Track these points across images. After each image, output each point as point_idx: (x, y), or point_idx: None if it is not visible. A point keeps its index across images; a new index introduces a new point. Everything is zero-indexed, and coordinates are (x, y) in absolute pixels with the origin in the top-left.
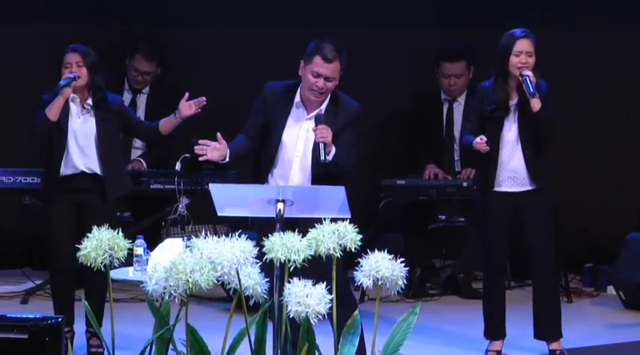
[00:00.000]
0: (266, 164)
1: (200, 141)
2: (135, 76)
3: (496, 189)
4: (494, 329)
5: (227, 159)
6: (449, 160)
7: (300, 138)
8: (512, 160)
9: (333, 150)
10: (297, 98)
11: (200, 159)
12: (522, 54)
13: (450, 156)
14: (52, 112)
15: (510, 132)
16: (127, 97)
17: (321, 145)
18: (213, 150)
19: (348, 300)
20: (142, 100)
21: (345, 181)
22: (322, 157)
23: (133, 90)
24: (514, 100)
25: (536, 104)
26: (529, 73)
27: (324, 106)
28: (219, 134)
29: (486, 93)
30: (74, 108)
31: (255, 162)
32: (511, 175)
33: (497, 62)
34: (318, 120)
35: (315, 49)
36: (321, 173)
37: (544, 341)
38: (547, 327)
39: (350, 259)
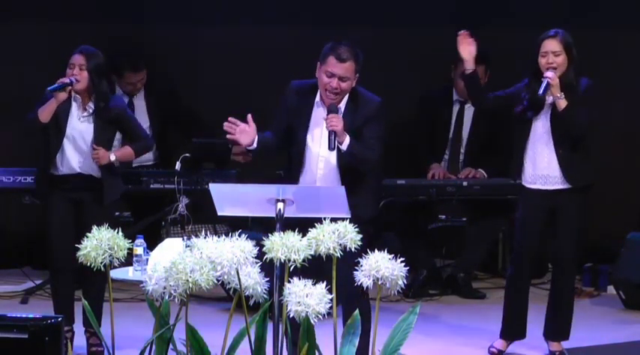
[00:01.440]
0: (296, 164)
1: (230, 119)
2: (131, 89)
3: (530, 186)
4: (509, 329)
5: (254, 145)
6: (454, 161)
7: (323, 138)
8: (545, 159)
9: (347, 139)
10: (317, 98)
11: (228, 137)
12: (548, 54)
13: (456, 158)
14: (44, 114)
15: (544, 131)
16: None
17: (332, 135)
18: (242, 132)
19: (359, 299)
20: (139, 103)
21: (372, 174)
22: (331, 146)
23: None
24: (549, 99)
25: (561, 103)
26: (549, 74)
27: (342, 104)
28: (249, 116)
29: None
30: (75, 109)
31: (288, 162)
32: (544, 173)
33: (530, 63)
34: (330, 109)
35: (329, 49)
36: (348, 169)
37: (551, 340)
38: (558, 327)
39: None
